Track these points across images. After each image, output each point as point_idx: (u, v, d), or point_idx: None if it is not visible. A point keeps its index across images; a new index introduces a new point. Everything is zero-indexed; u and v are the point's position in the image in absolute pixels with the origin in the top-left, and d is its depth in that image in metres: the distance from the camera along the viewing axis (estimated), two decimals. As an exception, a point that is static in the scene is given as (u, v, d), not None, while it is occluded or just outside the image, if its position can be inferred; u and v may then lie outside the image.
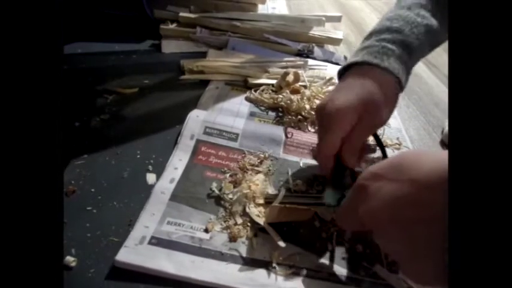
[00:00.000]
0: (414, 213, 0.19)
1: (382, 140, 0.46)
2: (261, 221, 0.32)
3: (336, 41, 0.68)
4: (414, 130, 0.53)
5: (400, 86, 0.33)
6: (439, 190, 0.18)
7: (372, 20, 0.99)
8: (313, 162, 0.41)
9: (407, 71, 0.34)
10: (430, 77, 0.73)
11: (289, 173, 0.39)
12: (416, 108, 0.59)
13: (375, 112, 0.31)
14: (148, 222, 0.31)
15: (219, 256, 0.30)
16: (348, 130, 0.31)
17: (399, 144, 0.48)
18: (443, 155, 0.19)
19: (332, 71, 0.60)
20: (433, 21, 0.35)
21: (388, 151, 0.45)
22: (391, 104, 0.33)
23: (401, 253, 0.20)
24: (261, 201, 0.34)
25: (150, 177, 0.35)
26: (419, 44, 0.34)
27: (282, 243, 0.30)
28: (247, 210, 0.33)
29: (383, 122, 0.33)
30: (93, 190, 0.33)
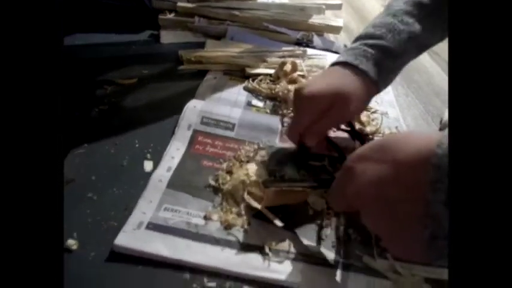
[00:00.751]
0: (397, 192, 0.20)
1: (381, 128, 0.47)
2: (258, 205, 0.32)
3: (336, 29, 0.67)
4: (412, 119, 0.53)
5: (377, 88, 0.37)
6: (420, 170, 0.19)
7: (372, 7, 0.97)
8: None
9: (387, 74, 0.38)
10: (432, 65, 0.72)
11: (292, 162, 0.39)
12: (416, 97, 0.59)
13: (343, 104, 0.34)
14: (145, 208, 0.32)
15: (214, 241, 0.31)
16: (315, 114, 0.35)
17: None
18: (426, 137, 0.20)
19: (331, 60, 0.60)
20: (417, 27, 0.37)
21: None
22: (360, 101, 0.36)
23: (386, 230, 0.21)
24: (254, 190, 0.35)
25: (148, 165, 0.36)
26: (403, 49, 0.37)
27: (279, 223, 0.31)
28: (244, 196, 0.34)
29: (349, 115, 0.38)
30: (93, 178, 0.34)
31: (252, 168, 0.36)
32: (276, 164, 0.39)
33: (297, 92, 0.36)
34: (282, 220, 0.33)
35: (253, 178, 0.35)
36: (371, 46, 0.36)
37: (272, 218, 0.32)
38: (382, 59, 0.36)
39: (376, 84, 0.36)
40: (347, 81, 0.35)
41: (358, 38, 0.39)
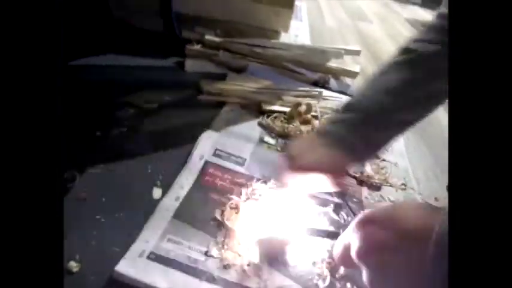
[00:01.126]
0: (396, 258, 0.21)
1: (389, 178, 0.47)
2: (244, 262, 0.32)
3: (352, 74, 0.69)
4: (422, 171, 0.53)
5: (358, 156, 0.36)
6: (419, 242, 0.20)
7: (389, 52, 1.00)
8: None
9: (368, 141, 0.36)
10: (446, 118, 0.73)
11: None
12: (426, 149, 0.59)
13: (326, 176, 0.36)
14: (149, 237, 0.33)
15: (212, 279, 0.31)
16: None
17: (405, 185, 0.48)
18: (430, 214, 0.21)
19: (345, 103, 0.61)
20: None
21: (392, 191, 0.46)
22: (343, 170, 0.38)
23: None
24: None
25: (157, 192, 0.37)
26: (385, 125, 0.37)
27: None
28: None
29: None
30: (103, 200, 0.35)
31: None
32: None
33: (290, 155, 0.36)
34: (280, 264, 0.33)
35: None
36: (355, 120, 0.36)
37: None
38: (367, 129, 0.36)
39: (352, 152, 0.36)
40: (334, 157, 0.35)
41: (345, 108, 0.39)
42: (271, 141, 0.50)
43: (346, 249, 0.25)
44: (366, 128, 0.36)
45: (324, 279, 0.33)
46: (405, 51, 0.37)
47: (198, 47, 0.68)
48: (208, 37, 0.68)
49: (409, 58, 0.37)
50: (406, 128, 0.38)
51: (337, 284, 0.33)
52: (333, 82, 0.68)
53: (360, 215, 0.25)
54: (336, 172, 0.36)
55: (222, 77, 0.62)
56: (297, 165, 0.35)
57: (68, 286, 0.27)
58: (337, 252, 0.28)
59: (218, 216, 0.36)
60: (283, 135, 0.51)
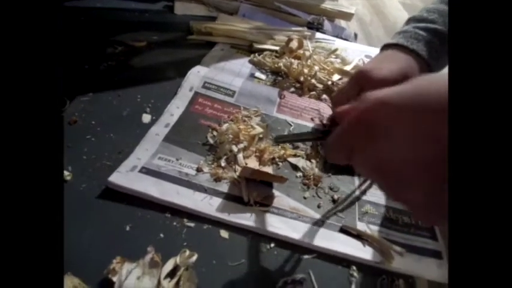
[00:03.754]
0: (438, 150, 0.16)
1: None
2: (235, 175, 0.34)
3: (347, 16, 0.67)
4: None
5: (430, 67, 0.36)
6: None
7: (391, 2, 0.96)
8: (303, 123, 0.42)
9: (438, 55, 0.37)
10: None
11: (285, 133, 0.40)
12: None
13: None
14: (141, 155, 0.34)
15: (203, 190, 0.32)
16: None
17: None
18: None
19: (340, 46, 0.60)
20: None
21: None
22: None
23: (422, 198, 0.17)
24: (245, 144, 0.36)
25: (146, 118, 0.38)
26: None
27: (245, 197, 0.31)
28: (228, 156, 0.35)
29: None
30: (93, 122, 0.36)
31: (257, 127, 0.38)
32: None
33: (363, 74, 0.34)
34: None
35: (247, 136, 0.36)
36: (422, 29, 0.37)
37: (243, 192, 0.32)
38: (433, 41, 0.36)
39: (428, 64, 0.36)
40: (412, 65, 0.35)
41: (410, 21, 0.40)
42: (262, 76, 0.49)
43: (345, 143, 0.20)
44: (436, 37, 0.36)
45: (311, 190, 0.34)
46: None
47: (187, -11, 0.65)
48: (197, -22, 0.65)
49: None
50: None
51: (324, 195, 0.34)
52: (327, 25, 0.66)
53: (363, 100, 0.19)
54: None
55: (212, 20, 0.60)
56: (375, 79, 0.32)
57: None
58: (330, 148, 0.22)
59: (210, 140, 0.37)
60: (274, 71, 0.50)
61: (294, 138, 0.35)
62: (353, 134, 0.19)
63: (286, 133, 0.40)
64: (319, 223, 0.31)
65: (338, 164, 0.30)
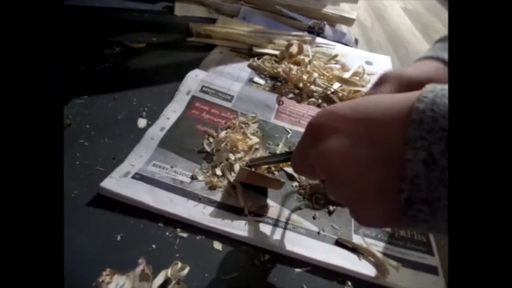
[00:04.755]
0: (369, 152, 0.18)
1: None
2: (232, 178, 0.33)
3: (348, 21, 0.67)
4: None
5: None
6: (397, 126, 0.17)
7: (393, 8, 0.96)
8: (302, 130, 0.42)
9: None
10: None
11: (282, 140, 0.40)
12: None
13: None
14: (135, 161, 0.33)
15: (197, 198, 0.31)
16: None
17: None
18: (404, 95, 0.18)
19: (340, 51, 0.60)
20: None
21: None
22: None
23: (353, 195, 0.19)
24: (242, 154, 0.35)
25: (142, 122, 0.37)
26: None
27: (241, 202, 0.31)
28: (224, 165, 0.34)
29: None
30: (87, 126, 0.35)
31: (254, 138, 0.37)
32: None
33: (387, 73, 0.31)
34: (263, 190, 0.33)
35: (245, 146, 0.36)
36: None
37: (240, 197, 0.31)
38: None
39: None
40: (439, 70, 0.32)
41: (438, 41, 0.37)
42: (261, 81, 0.49)
43: (304, 153, 0.22)
44: None
45: (307, 200, 0.34)
46: None
47: (187, -10, 0.64)
48: (198, -21, 0.64)
49: None
50: None
51: (320, 206, 0.33)
52: (328, 30, 0.65)
53: (317, 112, 0.22)
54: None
55: (212, 22, 0.60)
56: (399, 77, 0.29)
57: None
58: (294, 160, 0.24)
59: (207, 147, 0.36)
60: (273, 76, 0.50)
61: (266, 161, 0.33)
62: (307, 141, 0.22)
63: (279, 142, 0.40)
64: (314, 235, 0.31)
65: (305, 176, 0.29)
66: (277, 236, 0.30)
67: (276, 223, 0.31)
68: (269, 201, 0.33)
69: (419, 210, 0.16)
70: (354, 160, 0.18)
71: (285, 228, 0.31)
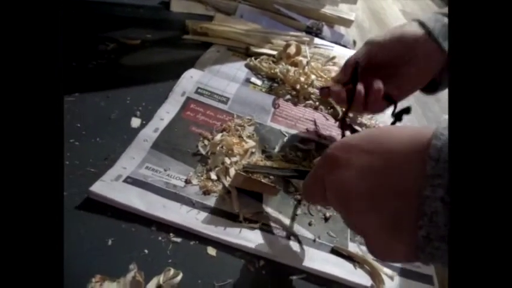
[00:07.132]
0: (387, 186, 0.18)
1: (376, 124, 0.47)
2: (226, 182, 0.32)
3: (347, 22, 0.66)
4: (408, 121, 0.53)
5: (434, 38, 0.36)
6: (416, 162, 0.17)
7: (392, 11, 0.96)
8: (298, 133, 0.41)
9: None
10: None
11: (279, 143, 0.39)
12: (415, 100, 0.59)
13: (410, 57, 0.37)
14: (126, 164, 0.32)
15: (190, 204, 0.31)
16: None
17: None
18: (420, 129, 0.18)
19: (338, 52, 0.59)
20: None
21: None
22: (417, 62, 0.37)
23: (371, 229, 0.19)
24: (238, 158, 0.35)
25: (135, 122, 0.36)
26: None
27: (236, 208, 0.30)
28: (219, 169, 0.33)
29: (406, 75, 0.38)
30: (78, 125, 0.34)
31: (250, 143, 0.36)
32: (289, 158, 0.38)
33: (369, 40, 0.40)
34: (258, 195, 0.33)
35: (240, 150, 0.35)
36: (441, 14, 0.38)
37: (234, 202, 0.31)
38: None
39: (429, 33, 0.36)
40: (415, 31, 0.37)
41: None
42: (258, 82, 0.48)
43: (319, 183, 0.22)
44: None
45: (303, 206, 0.33)
46: None
47: (184, -15, 0.63)
48: (195, -25, 0.63)
49: None
50: None
51: (315, 213, 0.33)
52: (326, 30, 0.65)
53: (334, 143, 0.22)
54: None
55: (209, 19, 0.59)
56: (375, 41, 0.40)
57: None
58: (307, 189, 0.25)
59: (202, 149, 0.35)
60: (271, 77, 0.49)
61: (267, 172, 0.33)
62: (321, 171, 0.22)
63: (278, 144, 0.39)
64: (310, 243, 0.30)
65: (314, 201, 0.30)
66: (272, 242, 0.29)
67: (271, 230, 0.30)
68: (264, 207, 0.32)
69: (437, 247, 0.16)
70: (372, 194, 0.18)
71: (280, 235, 0.30)
